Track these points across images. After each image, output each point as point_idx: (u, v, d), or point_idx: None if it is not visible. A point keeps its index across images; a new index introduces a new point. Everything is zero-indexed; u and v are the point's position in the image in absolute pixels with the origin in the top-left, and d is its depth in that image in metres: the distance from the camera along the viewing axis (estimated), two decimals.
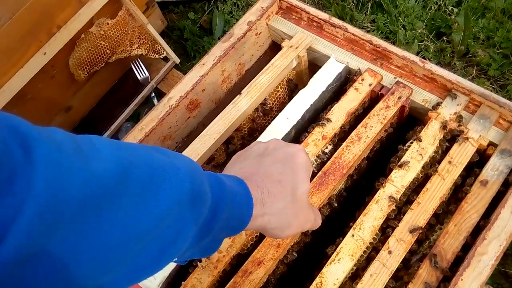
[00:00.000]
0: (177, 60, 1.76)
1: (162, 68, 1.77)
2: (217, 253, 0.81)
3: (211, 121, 0.96)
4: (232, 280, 0.78)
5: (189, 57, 1.94)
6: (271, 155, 0.61)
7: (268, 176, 0.57)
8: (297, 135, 0.92)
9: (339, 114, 0.89)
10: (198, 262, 0.81)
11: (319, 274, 0.76)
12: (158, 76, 1.76)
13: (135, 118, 1.84)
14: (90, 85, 1.71)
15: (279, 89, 1.02)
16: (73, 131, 1.84)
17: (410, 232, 0.75)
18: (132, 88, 1.80)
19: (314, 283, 0.76)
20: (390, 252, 0.74)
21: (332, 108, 0.90)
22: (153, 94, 1.79)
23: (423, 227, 0.76)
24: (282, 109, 0.94)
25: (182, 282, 0.79)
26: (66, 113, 1.71)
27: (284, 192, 0.56)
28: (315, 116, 0.93)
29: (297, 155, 0.61)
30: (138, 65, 1.78)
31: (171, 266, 0.82)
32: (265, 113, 1.01)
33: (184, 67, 1.90)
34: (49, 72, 1.50)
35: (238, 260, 0.84)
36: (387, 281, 0.73)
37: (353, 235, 0.78)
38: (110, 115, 1.77)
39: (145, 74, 1.78)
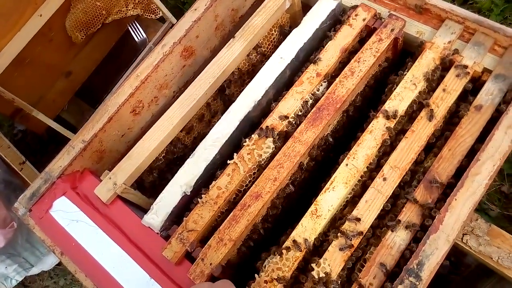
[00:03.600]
0: (174, 21, 1.72)
1: (159, 29, 1.74)
2: (217, 190, 0.81)
3: None
4: (231, 213, 0.79)
5: None
6: None
7: None
8: (292, 74, 0.91)
9: (333, 50, 0.87)
10: (198, 199, 0.81)
11: (314, 202, 0.77)
12: (155, 37, 1.73)
13: None
14: (89, 49, 1.69)
15: (273, 32, 1.00)
16: (74, 96, 1.83)
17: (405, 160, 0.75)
18: (131, 51, 1.78)
19: (309, 210, 0.76)
20: (384, 179, 0.74)
21: (326, 45, 0.88)
22: None
23: (417, 153, 0.75)
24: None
25: (184, 218, 0.80)
26: (66, 78, 1.71)
27: None
28: (309, 55, 0.91)
29: None
30: (135, 27, 1.75)
31: (172, 203, 0.82)
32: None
33: None
34: (47, 35, 1.49)
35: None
36: (381, 206, 0.73)
37: (347, 164, 0.78)
38: (110, 80, 1.76)
39: (143, 36, 1.75)
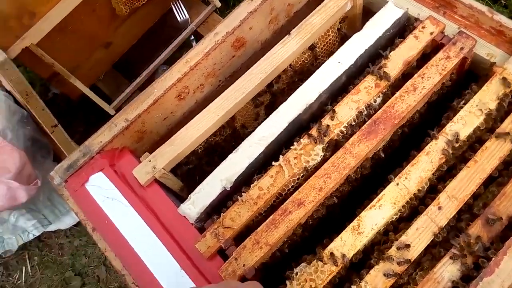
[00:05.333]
0: (218, 4, 1.64)
1: (202, 11, 1.66)
2: (258, 190, 0.76)
3: (255, 63, 0.87)
4: (271, 217, 0.73)
5: (227, 5, 1.82)
6: None
7: None
8: (348, 81, 0.84)
9: (396, 62, 0.80)
10: (238, 197, 0.76)
11: (357, 217, 0.71)
12: (198, 19, 1.65)
13: (173, 62, 1.75)
14: (131, 23, 1.62)
15: (330, 33, 0.92)
16: (111, 68, 1.77)
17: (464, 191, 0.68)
18: (171, 30, 1.70)
19: (351, 224, 0.70)
20: (440, 208, 0.68)
21: (389, 55, 0.80)
22: (192, 37, 1.69)
23: (478, 185, 0.68)
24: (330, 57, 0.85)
25: (222, 214, 0.75)
26: (105, 49, 1.64)
27: None
28: (367, 63, 0.83)
29: None
30: (179, 6, 1.67)
31: (211, 196, 0.77)
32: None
33: (224, 14, 1.78)
34: (91, 5, 1.42)
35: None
36: (433, 236, 0.66)
37: (397, 184, 0.71)
38: (148, 56, 1.69)
39: (185, 16, 1.67)
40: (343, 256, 0.68)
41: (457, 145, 0.71)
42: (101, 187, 0.81)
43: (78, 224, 1.99)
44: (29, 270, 1.97)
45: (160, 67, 1.71)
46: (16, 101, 1.68)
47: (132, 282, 0.74)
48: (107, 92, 1.68)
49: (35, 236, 1.89)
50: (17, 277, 1.97)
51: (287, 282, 0.69)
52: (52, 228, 1.92)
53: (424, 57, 0.84)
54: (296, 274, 0.69)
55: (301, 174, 0.78)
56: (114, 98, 1.54)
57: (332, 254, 0.69)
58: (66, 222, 1.95)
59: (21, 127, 1.78)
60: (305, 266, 0.70)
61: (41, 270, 1.96)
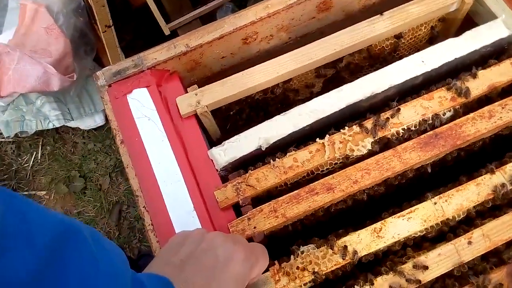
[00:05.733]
0: None
1: None
2: (293, 161, 0.74)
3: (332, 31, 0.83)
4: (296, 191, 0.72)
5: None
6: (199, 259, 0.50)
7: (187, 286, 0.47)
8: (423, 84, 0.79)
9: (481, 82, 0.74)
10: (271, 160, 0.74)
11: (382, 221, 0.69)
12: None
13: (241, 2, 1.70)
14: None
15: (423, 29, 0.86)
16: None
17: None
18: None
19: (373, 225, 0.68)
20: (470, 243, 0.65)
21: (476, 73, 0.75)
22: None
23: None
24: (412, 53, 0.80)
25: (250, 171, 0.73)
26: None
27: None
28: (450, 73, 0.78)
29: (230, 265, 0.50)
30: None
31: (244, 150, 0.76)
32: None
33: None
34: None
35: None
36: (452, 267, 0.64)
37: (435, 203, 0.69)
38: None
39: None
40: (355, 253, 0.67)
41: (510, 187, 0.67)
42: (141, 103, 0.81)
43: (97, 128, 2.03)
44: (39, 157, 2.04)
45: (226, 3, 1.66)
46: None
47: (143, 206, 0.74)
48: (169, 10, 1.65)
49: (54, 127, 1.94)
50: (26, 159, 2.04)
51: (292, 256, 0.68)
52: (72, 124, 1.97)
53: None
54: (302, 252, 0.68)
55: (340, 161, 0.75)
56: (173, 18, 1.51)
57: (345, 247, 0.67)
58: (87, 123, 1.99)
59: (74, 16, 1.78)
60: (313, 248, 0.68)
61: (49, 161, 2.03)
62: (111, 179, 1.94)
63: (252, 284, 0.63)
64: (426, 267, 0.63)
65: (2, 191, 0.32)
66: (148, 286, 0.42)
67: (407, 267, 0.64)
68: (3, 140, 2.03)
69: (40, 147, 2.04)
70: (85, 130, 2.02)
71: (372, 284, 0.64)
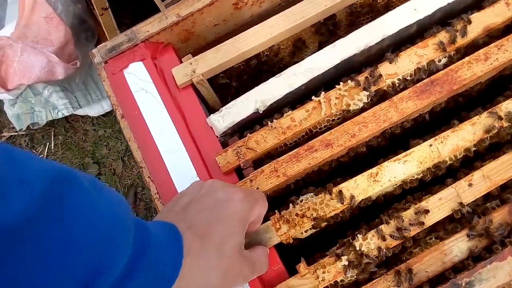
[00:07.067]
0: None
1: None
2: (290, 121, 0.76)
3: None
4: (295, 150, 0.74)
5: None
6: (199, 202, 0.53)
7: (190, 228, 0.49)
8: (417, 32, 0.79)
9: (476, 25, 0.74)
10: (269, 122, 0.76)
11: (378, 166, 0.70)
12: None
13: None
14: None
15: None
16: None
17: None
18: None
19: (369, 170, 0.70)
20: (470, 185, 0.66)
21: (470, 17, 0.74)
22: None
23: None
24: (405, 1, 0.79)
25: (248, 134, 0.76)
26: None
27: (207, 249, 0.48)
28: (445, 18, 0.78)
29: (230, 204, 0.53)
30: None
31: (242, 114, 0.78)
32: None
33: None
34: None
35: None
36: (453, 210, 0.66)
37: (431, 145, 0.70)
38: None
39: None
40: (352, 197, 0.69)
41: (507, 124, 0.68)
42: (138, 77, 0.83)
43: (106, 114, 2.08)
44: (52, 147, 2.10)
45: None
46: None
47: (148, 176, 0.78)
48: None
49: (64, 116, 1.99)
50: (40, 150, 2.11)
51: (290, 205, 0.71)
52: (81, 112, 2.01)
53: (508, 30, 0.78)
54: (301, 201, 0.71)
55: (338, 117, 0.77)
56: None
57: (340, 192, 0.70)
58: (95, 110, 2.04)
59: (72, 3, 1.81)
60: (312, 196, 0.71)
61: (63, 151, 2.09)
62: (124, 163, 2.00)
63: (254, 232, 0.66)
64: (427, 211, 0.65)
65: None
66: (151, 228, 0.45)
67: (409, 213, 0.66)
68: (16, 133, 2.11)
69: (52, 138, 2.11)
70: (94, 117, 2.07)
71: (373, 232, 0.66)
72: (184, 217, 0.51)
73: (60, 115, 1.98)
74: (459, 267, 0.63)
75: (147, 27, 0.84)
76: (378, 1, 0.86)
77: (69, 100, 1.94)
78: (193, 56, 0.83)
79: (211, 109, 0.91)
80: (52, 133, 2.11)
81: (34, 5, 1.72)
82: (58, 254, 0.34)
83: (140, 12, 1.90)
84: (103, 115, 2.07)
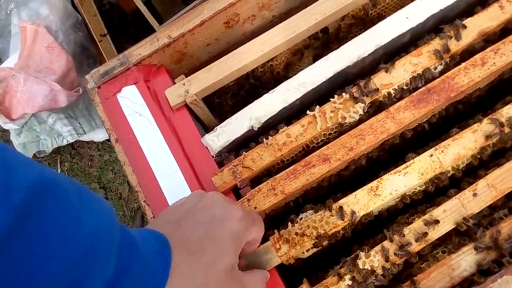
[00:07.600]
0: None
1: None
2: (286, 136, 0.74)
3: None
4: (293, 166, 0.72)
5: None
6: (196, 215, 0.51)
7: (182, 242, 0.47)
8: (411, 41, 0.78)
9: (470, 29, 0.73)
10: (264, 139, 0.75)
11: (378, 179, 0.68)
12: None
13: None
14: None
15: None
16: None
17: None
18: None
19: (369, 184, 0.68)
20: (475, 195, 0.64)
21: (464, 22, 0.73)
22: None
23: None
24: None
25: (244, 152, 0.75)
26: None
27: (195, 269, 0.46)
28: (438, 25, 0.76)
29: (226, 222, 0.51)
30: None
31: (236, 133, 0.77)
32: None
33: None
34: None
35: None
36: (459, 223, 0.63)
37: (431, 155, 0.68)
38: None
39: None
40: (353, 213, 0.67)
41: (508, 130, 0.65)
42: (131, 101, 0.83)
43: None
44: None
45: None
46: (73, 4, 1.72)
47: (144, 200, 0.77)
48: (160, 10, 1.68)
49: (68, 142, 2.01)
50: None
51: (289, 224, 0.69)
52: (85, 138, 2.03)
53: (504, 34, 0.76)
54: (301, 219, 0.69)
55: (334, 130, 0.75)
56: (166, 18, 1.54)
57: (341, 208, 0.67)
58: (100, 135, 2.05)
59: (73, 31, 1.84)
60: (311, 214, 0.69)
61: (70, 177, 2.10)
62: (130, 186, 1.99)
63: (253, 254, 0.64)
64: (437, 221, 0.62)
65: None
66: (140, 243, 0.43)
67: (413, 227, 0.64)
68: None
69: (59, 165, 2.13)
70: (100, 142, 2.08)
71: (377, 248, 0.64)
72: (178, 230, 0.50)
73: (65, 142, 1.99)
74: (468, 282, 0.60)
75: (139, 50, 0.85)
76: (370, 12, 0.86)
77: (73, 126, 1.96)
78: (187, 77, 0.83)
79: (207, 128, 0.90)
80: (59, 160, 2.13)
81: (36, 36, 1.76)
82: (32, 272, 0.32)
83: (141, 37, 1.92)
84: (108, 140, 2.08)
